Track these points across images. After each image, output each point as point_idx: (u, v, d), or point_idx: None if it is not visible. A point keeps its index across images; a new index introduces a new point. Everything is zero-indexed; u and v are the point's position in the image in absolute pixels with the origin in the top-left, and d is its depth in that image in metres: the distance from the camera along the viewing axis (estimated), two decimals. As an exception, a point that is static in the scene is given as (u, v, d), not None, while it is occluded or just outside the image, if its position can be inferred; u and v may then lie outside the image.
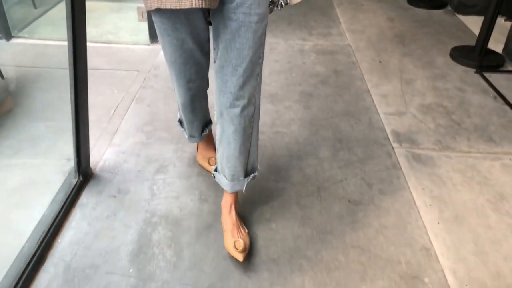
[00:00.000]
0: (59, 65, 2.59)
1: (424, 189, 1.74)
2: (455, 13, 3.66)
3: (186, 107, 1.55)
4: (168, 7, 1.11)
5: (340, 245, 1.48)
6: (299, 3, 1.33)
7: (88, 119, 1.66)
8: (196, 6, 1.08)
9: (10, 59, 2.67)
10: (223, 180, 1.48)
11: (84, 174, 1.70)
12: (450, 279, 1.38)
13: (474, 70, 2.71)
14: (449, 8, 3.77)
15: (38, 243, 1.40)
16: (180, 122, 1.72)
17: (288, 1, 1.30)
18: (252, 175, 1.48)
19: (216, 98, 1.33)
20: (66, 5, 1.35)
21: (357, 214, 1.61)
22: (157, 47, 2.85)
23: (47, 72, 2.55)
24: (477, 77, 2.64)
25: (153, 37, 2.90)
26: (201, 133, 1.71)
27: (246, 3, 1.16)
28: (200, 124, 1.67)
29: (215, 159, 1.62)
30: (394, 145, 2.00)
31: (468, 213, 1.64)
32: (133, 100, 2.27)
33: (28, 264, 1.34)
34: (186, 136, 1.72)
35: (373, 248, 1.48)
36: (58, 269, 1.36)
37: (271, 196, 1.68)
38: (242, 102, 1.29)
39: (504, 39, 2.96)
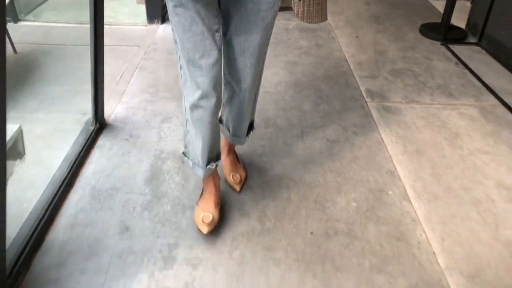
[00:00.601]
0: (65, 43, 2.86)
1: (391, 131, 2.05)
2: (426, -2, 4.00)
3: (195, 109, 1.34)
4: None
5: (320, 171, 1.78)
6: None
7: (103, 78, 1.94)
8: None
9: (20, 38, 2.92)
10: (226, 132, 1.64)
11: (100, 123, 1.97)
12: (409, 191, 1.69)
13: (440, 42, 3.04)
14: (421, -7, 4.11)
15: (67, 171, 1.66)
16: (184, 153, 1.54)
17: None
18: (251, 132, 1.66)
19: (225, 70, 1.43)
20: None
21: (334, 149, 1.91)
22: (155, 27, 3.12)
23: (54, 48, 2.81)
24: (442, 48, 2.97)
25: (151, 18, 3.17)
26: (206, 164, 1.47)
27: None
28: (208, 145, 1.43)
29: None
30: (367, 99, 2.31)
31: (428, 147, 1.95)
32: (136, 68, 2.54)
33: (60, 186, 1.60)
34: (191, 165, 1.51)
35: (347, 172, 1.78)
36: (85, 190, 1.63)
37: (262, 138, 1.97)
38: (249, 78, 1.40)
39: (467, 17, 3.30)
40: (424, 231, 1.52)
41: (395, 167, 1.82)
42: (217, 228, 1.48)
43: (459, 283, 1.34)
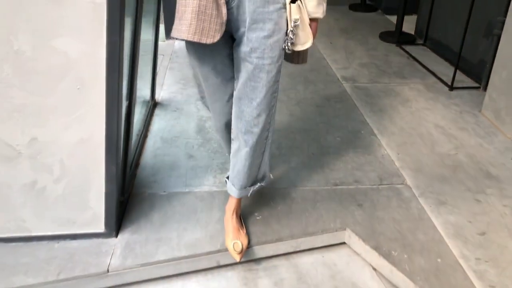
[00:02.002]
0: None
1: (361, 100, 2.87)
2: (384, 14, 4.95)
3: (224, 130, 1.65)
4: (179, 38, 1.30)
5: (313, 123, 2.57)
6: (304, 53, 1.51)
7: (156, 71, 2.70)
8: (189, 39, 1.27)
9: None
10: (232, 188, 1.68)
11: (154, 101, 2.72)
12: (375, 131, 2.49)
13: (395, 44, 3.93)
14: (380, 11, 5.06)
15: (142, 128, 2.40)
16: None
17: (293, 41, 1.37)
18: (258, 184, 1.69)
19: (234, 122, 1.54)
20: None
21: (322, 111, 2.71)
22: (171, 41, 3.91)
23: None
24: (397, 48, 3.86)
25: (168, 35, 3.96)
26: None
27: (259, 49, 1.35)
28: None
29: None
30: (343, 82, 3.14)
31: (387, 107, 2.77)
32: (167, 69, 3.31)
33: (140, 137, 2.33)
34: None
35: (332, 123, 2.57)
36: (156, 138, 2.36)
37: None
38: (257, 129, 1.49)
39: (414, 26, 4.23)
40: (386, 150, 2.31)
41: (365, 119, 2.62)
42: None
43: (408, 174, 2.12)
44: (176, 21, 1.32)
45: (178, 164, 2.14)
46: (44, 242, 1.65)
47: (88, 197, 1.61)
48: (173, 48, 3.73)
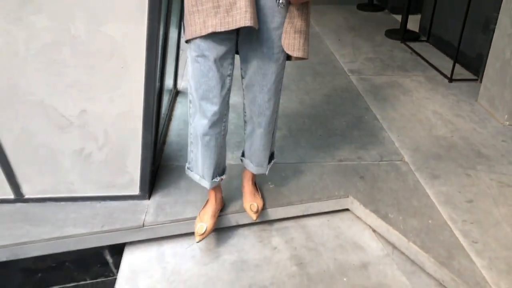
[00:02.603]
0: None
1: (365, 89, 3.11)
2: (391, 13, 5.18)
3: (206, 135, 1.63)
4: (223, 29, 1.38)
5: (321, 110, 2.81)
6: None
7: (178, 64, 2.96)
8: (247, 24, 1.35)
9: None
10: (250, 165, 1.86)
11: (177, 89, 2.99)
12: (378, 117, 2.73)
13: (400, 41, 4.17)
14: (386, 10, 5.29)
15: (167, 112, 2.66)
16: (189, 168, 1.83)
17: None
18: (272, 161, 1.90)
19: (247, 107, 1.72)
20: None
21: (329, 99, 2.96)
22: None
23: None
24: (402, 45, 4.09)
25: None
26: (212, 178, 1.74)
27: (270, 39, 1.48)
28: (213, 164, 1.71)
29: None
30: (349, 74, 3.38)
31: (390, 96, 3.01)
32: (186, 62, 3.58)
33: (165, 120, 2.59)
34: (198, 178, 1.79)
35: (339, 110, 2.81)
36: (179, 121, 2.63)
37: (284, 94, 3.00)
38: (268, 112, 1.68)
39: (418, 24, 4.46)
40: (387, 132, 2.55)
41: (369, 106, 2.86)
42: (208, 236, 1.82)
43: (406, 152, 2.36)
44: (220, 15, 1.39)
45: (200, 142, 2.40)
46: (88, 202, 1.93)
47: (126, 163, 1.88)
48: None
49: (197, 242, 1.77)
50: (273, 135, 1.82)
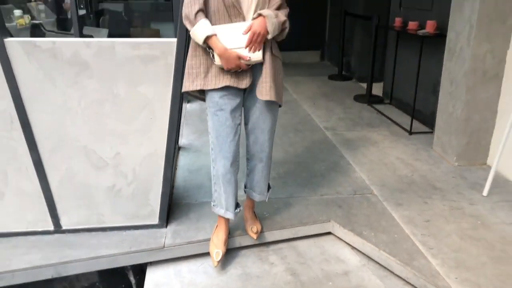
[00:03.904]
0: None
1: (339, 142, 3.66)
2: (358, 82, 5.94)
3: (227, 173, 2.06)
4: (235, 84, 1.91)
5: (302, 156, 3.33)
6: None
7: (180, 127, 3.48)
8: (245, 86, 1.92)
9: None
10: (253, 194, 2.27)
11: (178, 145, 3.47)
12: (351, 163, 3.25)
13: (366, 104, 4.84)
14: (354, 80, 6.06)
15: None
16: (214, 206, 2.20)
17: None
18: (269, 190, 2.32)
19: (250, 146, 2.13)
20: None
21: (309, 150, 3.49)
22: (185, 105, 4.74)
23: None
24: (368, 107, 4.75)
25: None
26: (234, 209, 2.17)
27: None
28: (234, 197, 2.15)
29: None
30: (325, 130, 3.95)
31: (360, 147, 3.56)
32: (183, 124, 4.10)
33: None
34: (223, 212, 2.16)
35: (317, 156, 3.33)
36: (184, 170, 3.08)
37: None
38: (267, 148, 2.13)
39: (381, 90, 5.18)
40: (359, 173, 3.06)
41: (343, 154, 3.40)
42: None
43: (375, 188, 2.85)
44: (238, 75, 1.91)
45: (204, 185, 2.85)
46: (116, 232, 2.32)
47: (149, 197, 2.31)
48: (185, 110, 4.57)
49: (215, 266, 2.17)
50: (269, 168, 2.25)
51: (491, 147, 3.20)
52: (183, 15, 1.87)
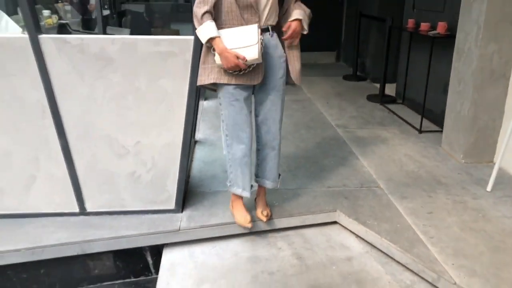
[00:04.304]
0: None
1: (350, 139, 3.78)
2: (372, 83, 6.03)
3: (245, 156, 2.29)
4: (250, 82, 2.12)
5: (312, 151, 3.46)
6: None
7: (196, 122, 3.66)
8: (256, 82, 2.12)
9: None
10: (266, 182, 2.45)
11: (195, 139, 3.65)
12: (361, 159, 3.37)
13: (379, 103, 4.94)
14: (368, 80, 6.16)
15: (190, 156, 3.29)
16: (231, 186, 2.40)
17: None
18: (280, 176, 2.50)
19: (263, 137, 2.33)
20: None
21: (320, 146, 3.62)
22: (201, 102, 4.92)
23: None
24: (381, 107, 4.85)
25: (198, 97, 4.98)
26: (250, 188, 2.39)
27: (277, 85, 2.20)
28: (250, 178, 2.37)
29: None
30: (336, 128, 4.08)
31: (370, 145, 3.67)
32: (200, 120, 4.28)
33: (188, 160, 3.22)
34: (241, 191, 2.37)
35: (327, 151, 3.46)
36: (199, 162, 3.25)
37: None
38: (279, 137, 2.35)
39: (394, 90, 5.27)
40: (366, 168, 3.18)
41: (352, 150, 3.52)
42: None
43: (382, 182, 2.97)
44: (249, 73, 2.10)
45: (217, 176, 3.01)
46: (135, 215, 2.50)
47: (166, 183, 2.48)
48: (202, 107, 4.75)
49: (251, 227, 2.39)
50: (280, 155, 2.46)
51: (497, 146, 3.28)
52: (193, 13, 2.04)
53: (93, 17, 6.51)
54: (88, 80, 2.24)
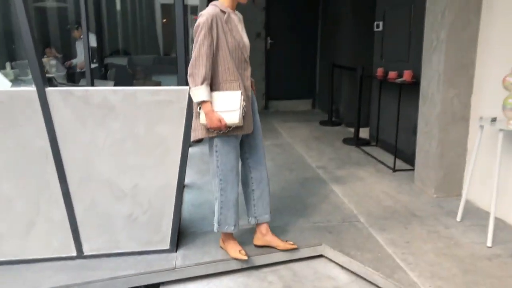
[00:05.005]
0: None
1: (330, 178, 4.02)
2: (347, 127, 6.39)
3: (237, 198, 2.53)
4: (247, 131, 2.42)
5: (296, 190, 3.67)
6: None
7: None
8: (250, 131, 2.43)
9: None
10: (266, 216, 2.66)
11: (182, 183, 3.81)
12: (339, 194, 3.59)
13: (354, 146, 5.24)
14: (343, 125, 6.52)
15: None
16: (219, 229, 2.56)
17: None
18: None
19: (257, 176, 2.59)
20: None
21: (303, 185, 3.83)
22: (186, 149, 5.12)
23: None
24: (357, 149, 5.15)
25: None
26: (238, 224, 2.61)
27: (259, 129, 2.53)
28: (238, 214, 2.59)
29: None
30: (317, 169, 4.32)
31: (348, 181, 3.91)
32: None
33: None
34: (233, 228, 2.55)
35: (311, 190, 3.68)
36: (188, 205, 3.40)
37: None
38: (265, 166, 2.63)
39: (368, 133, 5.62)
40: (347, 205, 3.39)
41: (333, 189, 3.75)
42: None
43: (362, 216, 3.18)
44: (245, 125, 2.39)
45: (207, 217, 3.16)
46: (131, 256, 2.61)
47: (161, 224, 2.62)
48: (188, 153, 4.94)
49: (247, 259, 2.56)
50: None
51: (464, 180, 3.57)
52: (189, 72, 2.29)
53: (77, 71, 6.79)
54: (90, 128, 2.43)
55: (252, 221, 2.70)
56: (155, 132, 2.48)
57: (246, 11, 2.63)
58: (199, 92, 2.27)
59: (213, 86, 2.34)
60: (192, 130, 2.42)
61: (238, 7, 2.45)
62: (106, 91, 2.40)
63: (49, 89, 2.34)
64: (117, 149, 2.48)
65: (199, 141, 2.50)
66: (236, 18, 2.41)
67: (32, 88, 2.33)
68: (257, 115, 2.57)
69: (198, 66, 2.25)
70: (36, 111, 2.35)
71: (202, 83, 2.26)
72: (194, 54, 2.27)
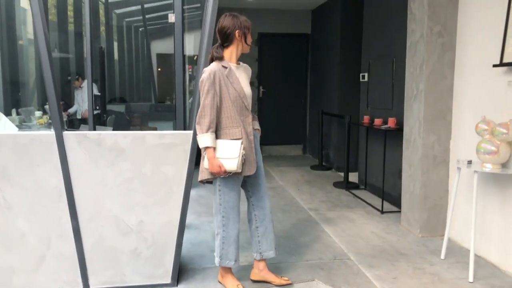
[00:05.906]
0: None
1: (321, 219, 4.22)
2: (336, 171, 6.65)
3: (238, 234, 2.70)
4: (249, 173, 2.61)
5: (289, 231, 3.85)
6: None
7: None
8: (252, 172, 2.62)
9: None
10: (271, 252, 2.82)
11: (181, 223, 3.98)
12: (331, 234, 3.79)
13: (344, 189, 5.48)
14: (333, 169, 6.78)
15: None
16: (221, 263, 2.72)
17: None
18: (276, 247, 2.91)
19: (261, 213, 2.76)
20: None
21: (296, 226, 4.02)
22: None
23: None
24: (346, 192, 5.39)
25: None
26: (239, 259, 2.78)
27: (261, 168, 2.73)
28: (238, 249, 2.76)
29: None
30: (308, 211, 4.52)
31: (338, 222, 4.12)
32: (183, 207, 4.63)
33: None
34: (233, 263, 2.71)
35: (303, 231, 3.86)
36: (187, 243, 3.56)
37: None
38: (268, 203, 2.81)
39: (357, 177, 5.87)
40: (338, 244, 3.58)
41: (324, 229, 3.94)
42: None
43: (352, 254, 3.36)
44: (249, 166, 2.61)
45: (205, 255, 3.33)
46: (134, 290, 2.75)
47: (164, 258, 2.79)
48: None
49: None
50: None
51: (447, 220, 3.79)
52: (197, 121, 2.55)
53: (78, 117, 7.07)
54: (101, 168, 2.65)
55: (257, 256, 2.85)
56: (161, 172, 2.71)
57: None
58: (204, 139, 2.52)
59: (218, 132, 2.59)
60: (199, 172, 2.65)
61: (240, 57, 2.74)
62: (117, 135, 2.65)
63: (66, 133, 2.58)
64: (125, 188, 2.69)
65: (209, 182, 2.70)
66: (241, 69, 2.72)
67: (51, 132, 2.57)
68: (260, 155, 2.78)
69: (203, 115, 2.52)
70: (53, 152, 2.57)
71: (207, 131, 2.51)
72: (200, 105, 2.54)
